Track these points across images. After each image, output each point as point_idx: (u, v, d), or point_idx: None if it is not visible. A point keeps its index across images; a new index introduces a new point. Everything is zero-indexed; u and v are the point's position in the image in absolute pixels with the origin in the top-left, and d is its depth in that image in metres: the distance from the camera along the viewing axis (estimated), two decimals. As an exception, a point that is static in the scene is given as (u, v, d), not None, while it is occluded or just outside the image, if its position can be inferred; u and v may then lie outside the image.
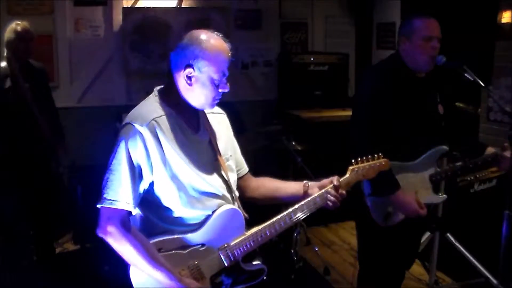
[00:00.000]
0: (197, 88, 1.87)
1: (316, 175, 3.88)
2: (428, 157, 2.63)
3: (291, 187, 2.10)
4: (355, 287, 3.06)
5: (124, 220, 1.78)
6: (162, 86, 1.98)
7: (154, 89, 1.98)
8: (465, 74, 2.56)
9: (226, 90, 1.91)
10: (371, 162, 2.11)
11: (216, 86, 1.87)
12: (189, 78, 1.86)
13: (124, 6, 5.13)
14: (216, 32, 1.91)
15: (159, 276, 1.81)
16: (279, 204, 2.15)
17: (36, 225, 3.87)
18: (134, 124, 1.80)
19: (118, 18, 5.14)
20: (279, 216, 1.99)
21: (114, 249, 1.80)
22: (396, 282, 2.89)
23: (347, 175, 2.08)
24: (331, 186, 2.01)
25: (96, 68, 5.19)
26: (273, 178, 2.18)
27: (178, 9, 5.30)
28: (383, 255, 2.70)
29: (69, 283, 3.80)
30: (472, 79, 2.55)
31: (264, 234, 1.97)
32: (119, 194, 1.77)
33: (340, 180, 2.03)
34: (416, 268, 3.90)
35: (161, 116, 1.86)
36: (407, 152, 2.59)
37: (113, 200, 1.77)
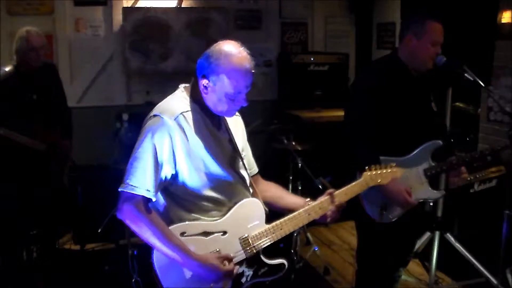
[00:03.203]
0: (212, 97, 1.94)
1: (316, 175, 3.92)
2: (422, 151, 2.63)
3: (294, 200, 2.19)
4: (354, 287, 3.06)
5: (142, 204, 1.85)
6: (187, 84, 2.05)
7: (180, 86, 2.05)
8: (465, 74, 2.57)
9: (244, 105, 1.98)
10: (384, 170, 2.23)
11: (231, 100, 1.93)
12: (205, 87, 1.93)
13: (124, 6, 5.13)
14: (242, 48, 1.94)
15: (176, 256, 1.87)
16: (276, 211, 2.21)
17: (39, 225, 3.87)
18: (163, 116, 1.89)
19: (118, 18, 5.14)
20: (298, 212, 2.08)
21: (134, 231, 1.89)
22: (393, 280, 2.89)
23: (361, 179, 2.19)
24: (327, 197, 2.11)
25: (96, 68, 5.19)
26: (279, 185, 2.28)
27: (178, 9, 5.30)
28: (379, 252, 2.70)
29: (69, 283, 3.80)
30: (472, 79, 2.56)
31: (284, 228, 2.05)
32: (141, 182, 1.85)
33: (353, 184, 2.16)
34: (416, 268, 3.90)
35: (188, 110, 1.94)
36: (400, 147, 2.60)
37: (134, 186, 1.84)
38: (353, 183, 2.19)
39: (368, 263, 2.81)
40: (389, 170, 2.24)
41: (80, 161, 4.60)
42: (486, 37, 4.02)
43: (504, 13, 3.94)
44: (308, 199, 2.14)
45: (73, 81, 5.13)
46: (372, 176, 2.21)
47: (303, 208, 2.08)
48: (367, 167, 2.21)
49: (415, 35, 2.57)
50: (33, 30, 3.52)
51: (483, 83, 2.58)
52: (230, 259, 1.95)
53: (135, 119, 4.74)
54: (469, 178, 3.53)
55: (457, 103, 4.24)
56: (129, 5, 5.16)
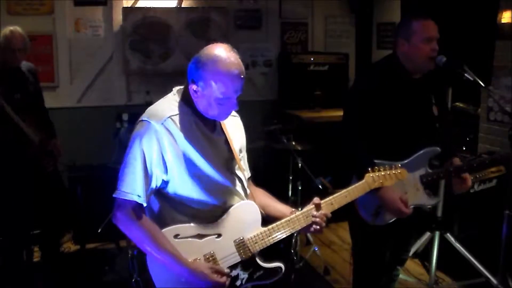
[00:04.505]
0: (202, 102, 1.92)
1: (316, 175, 3.92)
2: (419, 158, 2.60)
3: (279, 208, 2.14)
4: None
5: (134, 210, 1.87)
6: (181, 87, 2.02)
7: (174, 89, 2.03)
8: (465, 74, 2.56)
9: (235, 109, 1.96)
10: (387, 171, 2.19)
11: (221, 105, 1.90)
12: (195, 92, 1.91)
13: (124, 6, 5.13)
14: (232, 52, 1.89)
15: (166, 262, 1.87)
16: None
17: (40, 226, 3.87)
18: (150, 121, 1.88)
19: (118, 18, 5.14)
20: (295, 215, 2.04)
21: (127, 236, 1.91)
22: (391, 279, 2.89)
23: (363, 181, 2.16)
24: (312, 207, 2.05)
25: (96, 68, 5.19)
26: (269, 194, 2.23)
27: (178, 9, 5.30)
28: (373, 252, 2.70)
29: (69, 283, 3.80)
30: (472, 79, 2.55)
31: (281, 231, 2.02)
32: (132, 187, 1.86)
33: (355, 186, 2.13)
34: (416, 268, 3.90)
35: (177, 114, 1.92)
36: (398, 152, 2.56)
37: (126, 192, 1.86)
38: (355, 185, 2.16)
39: (363, 262, 2.80)
40: (393, 172, 2.20)
41: (80, 161, 4.61)
42: (486, 37, 4.02)
43: (504, 13, 3.95)
44: (294, 209, 2.10)
45: (73, 81, 5.13)
46: (374, 178, 2.17)
47: (300, 212, 2.04)
48: (370, 169, 2.17)
49: (405, 39, 2.54)
50: (18, 31, 3.46)
51: (483, 83, 2.57)
52: (222, 273, 1.92)
53: (135, 119, 4.67)
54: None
55: (457, 103, 4.24)
56: (129, 5, 5.16)
